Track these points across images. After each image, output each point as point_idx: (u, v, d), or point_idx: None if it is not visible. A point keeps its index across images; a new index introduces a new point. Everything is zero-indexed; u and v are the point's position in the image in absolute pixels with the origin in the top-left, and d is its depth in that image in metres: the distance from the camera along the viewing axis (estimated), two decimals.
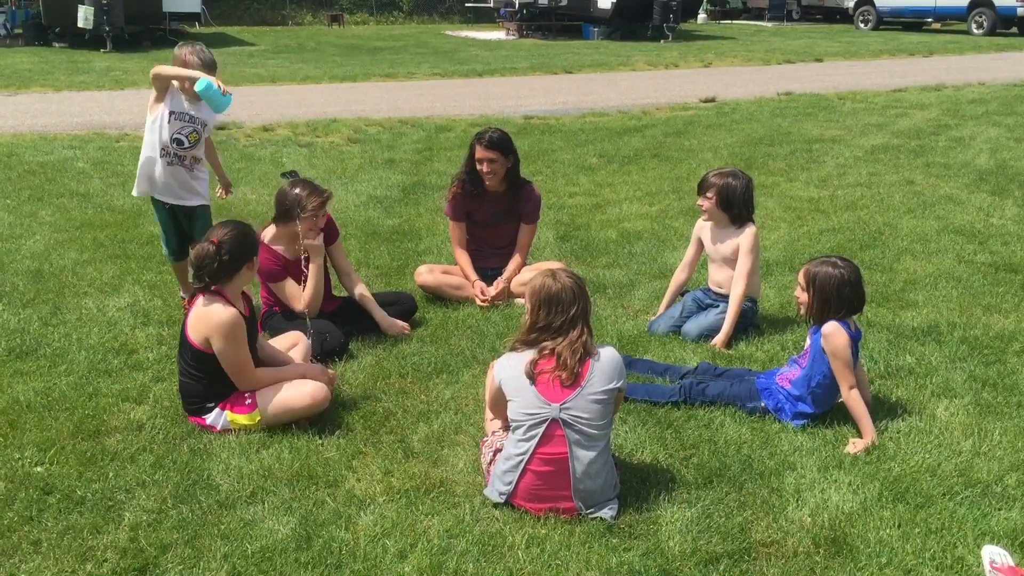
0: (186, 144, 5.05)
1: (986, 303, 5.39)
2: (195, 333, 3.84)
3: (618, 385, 3.34)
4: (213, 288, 3.87)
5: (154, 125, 5.00)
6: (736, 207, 4.87)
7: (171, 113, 5.00)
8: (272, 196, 7.97)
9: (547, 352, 3.32)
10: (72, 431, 3.87)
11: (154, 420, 3.98)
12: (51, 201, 7.69)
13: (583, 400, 3.27)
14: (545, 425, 3.26)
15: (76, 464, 3.62)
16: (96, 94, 14.10)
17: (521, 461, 3.28)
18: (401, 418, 4.03)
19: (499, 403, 3.45)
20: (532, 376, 3.29)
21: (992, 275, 5.87)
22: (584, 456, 3.26)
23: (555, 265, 5.56)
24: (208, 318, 3.81)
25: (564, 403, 3.26)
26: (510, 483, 3.30)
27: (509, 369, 3.36)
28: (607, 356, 3.36)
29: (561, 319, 3.32)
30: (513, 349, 3.43)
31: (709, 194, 4.89)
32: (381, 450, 3.75)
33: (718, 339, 4.80)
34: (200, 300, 3.87)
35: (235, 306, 3.87)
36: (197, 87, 4.75)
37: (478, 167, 5.38)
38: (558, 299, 3.33)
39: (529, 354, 3.34)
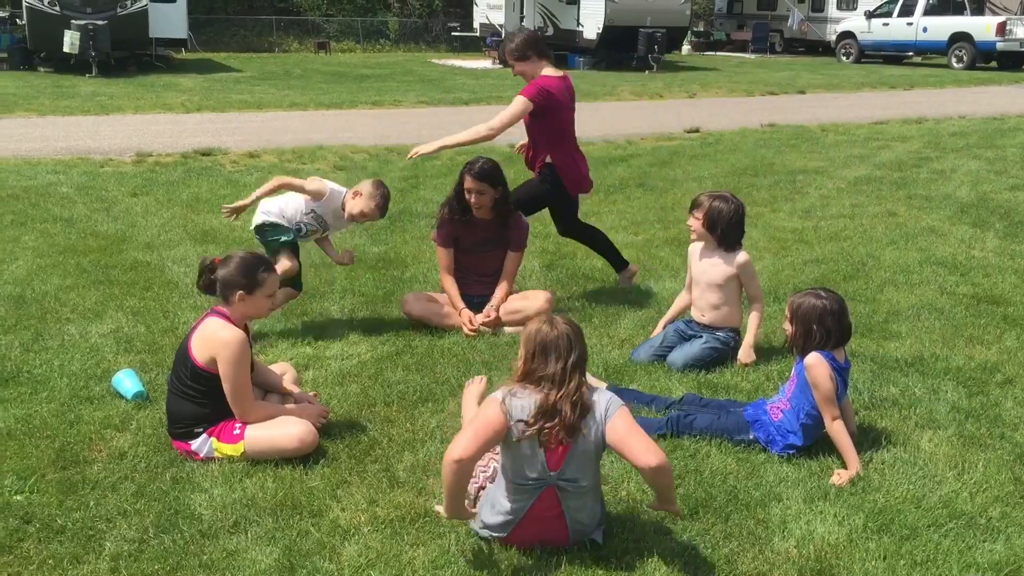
0: (303, 232, 5.40)
1: (968, 334, 5.43)
2: (200, 350, 3.81)
3: (609, 422, 3.12)
4: (219, 310, 3.88)
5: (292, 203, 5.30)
6: (719, 230, 4.88)
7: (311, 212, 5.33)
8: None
9: (548, 407, 3.08)
10: (53, 459, 3.82)
11: (136, 448, 3.94)
12: (34, 226, 7.65)
13: (577, 462, 3.13)
14: (541, 490, 3.16)
15: (57, 493, 3.57)
16: (81, 119, 14.08)
17: (511, 521, 3.20)
18: (386, 447, 4.00)
19: (494, 440, 3.12)
20: (542, 441, 3.09)
21: (974, 307, 5.92)
22: (576, 505, 3.20)
23: (542, 293, 5.58)
24: (215, 336, 3.80)
25: (561, 471, 3.13)
26: (496, 537, 3.24)
27: (516, 409, 3.11)
28: (600, 400, 3.18)
29: (556, 367, 3.10)
30: (512, 394, 3.14)
31: (697, 213, 4.92)
32: (366, 479, 3.72)
33: (743, 355, 4.92)
34: (208, 319, 3.87)
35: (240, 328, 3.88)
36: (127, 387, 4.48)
37: (467, 196, 5.40)
38: (555, 346, 3.12)
39: (533, 401, 3.11)
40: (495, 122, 5.70)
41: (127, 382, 4.47)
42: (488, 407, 3.14)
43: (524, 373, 3.16)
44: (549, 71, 5.83)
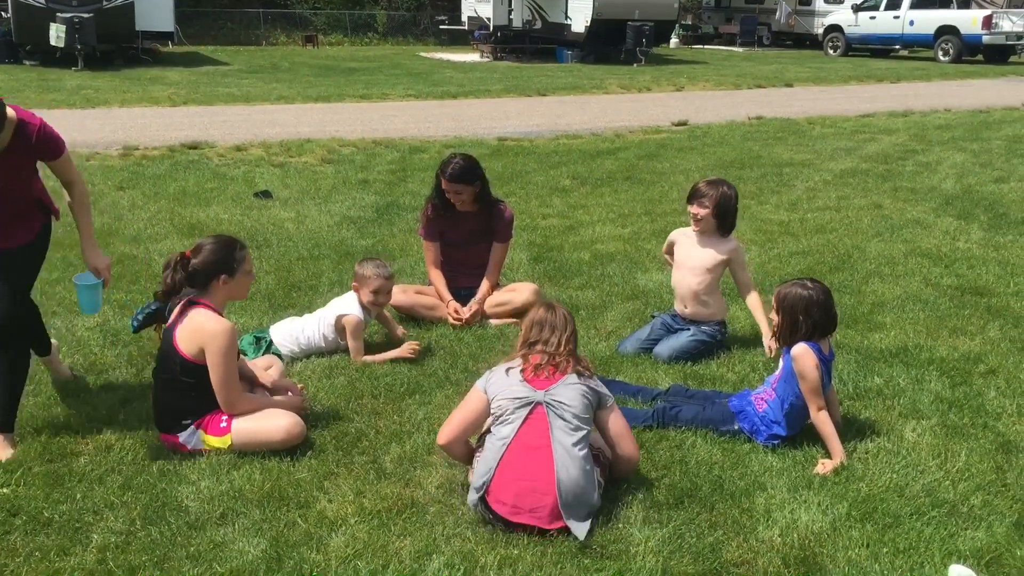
0: None
1: (952, 325, 5.47)
2: (187, 343, 3.80)
3: (598, 393, 3.52)
4: (200, 301, 3.87)
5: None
6: (730, 216, 4.91)
7: None
8: (244, 216, 7.95)
9: (534, 354, 3.53)
10: (39, 452, 3.82)
11: (123, 441, 3.94)
12: None
13: (566, 388, 3.43)
14: (530, 408, 3.38)
15: (43, 485, 3.57)
16: (67, 112, 13.99)
17: (504, 444, 3.34)
18: (373, 439, 4.01)
19: (475, 423, 3.53)
20: (519, 371, 3.48)
21: (958, 298, 5.96)
22: (566, 440, 3.32)
23: (529, 286, 5.60)
24: (204, 328, 3.79)
25: (548, 390, 3.43)
26: (489, 470, 3.31)
27: (493, 376, 3.53)
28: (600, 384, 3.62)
29: (552, 336, 3.56)
30: (491, 375, 3.58)
31: (705, 202, 4.87)
32: (353, 471, 3.74)
33: (766, 349, 4.77)
34: (193, 311, 3.85)
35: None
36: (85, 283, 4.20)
37: (445, 195, 5.41)
38: (551, 322, 3.59)
39: (512, 363, 3.55)
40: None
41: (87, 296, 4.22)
42: (470, 395, 3.56)
43: (522, 341, 3.61)
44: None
